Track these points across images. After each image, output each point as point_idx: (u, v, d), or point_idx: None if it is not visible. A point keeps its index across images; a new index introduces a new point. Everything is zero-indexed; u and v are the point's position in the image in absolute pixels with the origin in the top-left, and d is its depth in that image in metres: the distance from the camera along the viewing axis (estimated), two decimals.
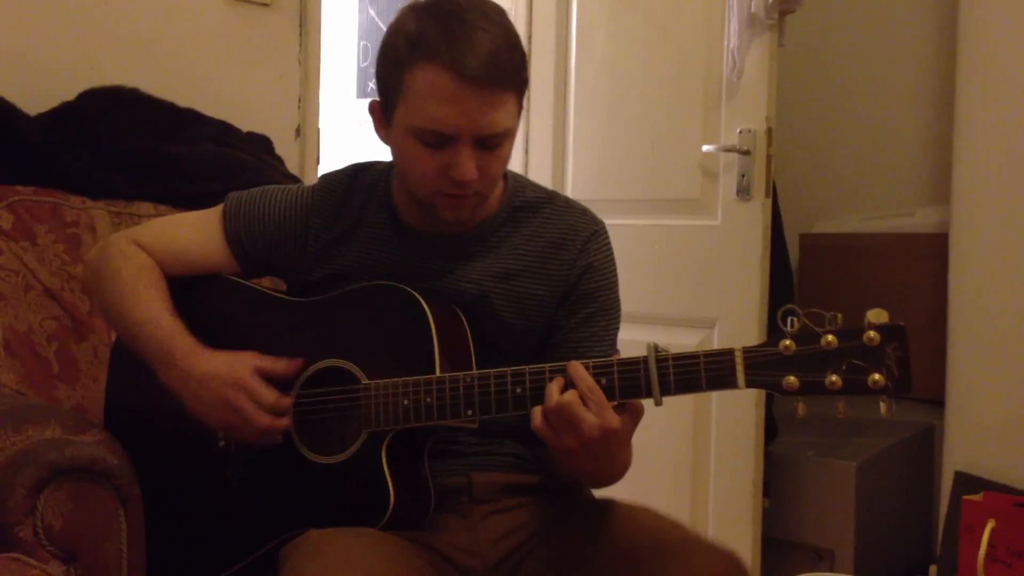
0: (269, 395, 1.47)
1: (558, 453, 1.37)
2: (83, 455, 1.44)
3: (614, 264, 1.61)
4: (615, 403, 1.32)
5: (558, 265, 1.57)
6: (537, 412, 1.33)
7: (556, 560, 1.46)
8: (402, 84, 1.43)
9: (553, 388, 1.33)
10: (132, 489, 1.48)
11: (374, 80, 1.53)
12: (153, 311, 1.54)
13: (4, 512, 1.38)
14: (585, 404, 1.31)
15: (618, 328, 1.61)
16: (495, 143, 1.44)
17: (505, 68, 1.41)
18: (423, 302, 1.46)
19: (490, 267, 1.56)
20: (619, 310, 1.61)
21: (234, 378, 1.46)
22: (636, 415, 1.36)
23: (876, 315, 1.24)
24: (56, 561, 1.41)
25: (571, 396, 1.31)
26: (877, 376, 1.22)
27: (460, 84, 1.38)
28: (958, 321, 2.71)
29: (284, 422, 1.48)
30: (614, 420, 1.32)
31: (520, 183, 1.62)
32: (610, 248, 1.61)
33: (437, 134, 1.42)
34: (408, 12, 1.46)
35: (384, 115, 1.51)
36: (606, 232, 1.61)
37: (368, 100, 1.58)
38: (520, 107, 1.48)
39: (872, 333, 1.23)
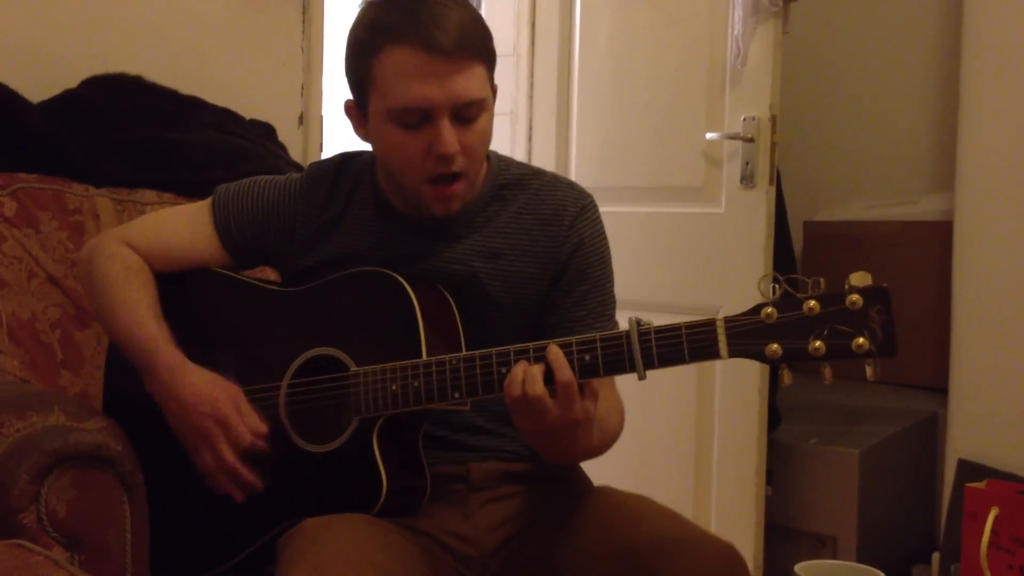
0: (247, 430, 1.47)
1: (519, 431, 1.39)
2: (87, 442, 1.44)
3: (606, 239, 1.61)
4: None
5: (548, 242, 1.56)
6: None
7: (553, 548, 1.46)
8: (371, 72, 1.44)
9: (518, 374, 1.32)
10: (136, 476, 1.48)
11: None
12: (137, 318, 1.55)
13: (8, 499, 1.39)
14: (553, 396, 1.31)
15: (614, 302, 1.61)
16: (472, 114, 1.45)
17: (471, 38, 1.43)
18: (407, 287, 1.46)
19: (478, 246, 1.56)
20: (613, 284, 1.61)
21: (213, 410, 1.47)
22: (596, 396, 1.36)
23: (859, 278, 1.23)
24: (60, 548, 1.41)
25: (538, 388, 1.31)
26: (861, 340, 1.21)
27: (428, 57, 1.40)
28: (962, 309, 2.71)
29: (247, 475, 1.48)
30: (579, 413, 1.32)
31: (504, 161, 1.63)
32: (600, 223, 1.61)
33: (414, 111, 1.42)
34: (366, 7, 1.47)
35: (360, 111, 1.51)
36: (595, 206, 1.61)
37: None
38: (492, 81, 1.49)
39: (855, 296, 1.22)
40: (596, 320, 1.56)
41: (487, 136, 1.51)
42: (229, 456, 1.47)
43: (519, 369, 1.33)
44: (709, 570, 1.33)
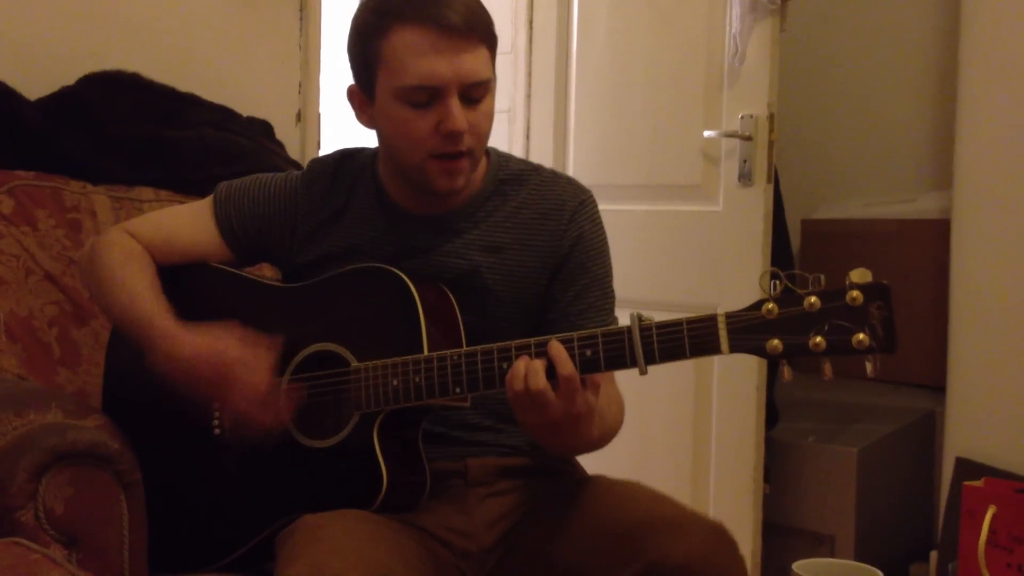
0: (258, 365, 1.45)
1: (521, 425, 1.39)
2: (84, 440, 1.44)
3: (604, 234, 1.62)
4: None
5: (547, 236, 1.57)
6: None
7: (549, 539, 1.47)
8: (379, 52, 1.46)
9: (520, 369, 1.32)
10: (133, 474, 1.48)
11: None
12: (136, 294, 1.55)
13: (6, 496, 1.39)
14: (555, 389, 1.31)
15: (614, 297, 1.61)
16: (479, 95, 1.47)
17: (479, 20, 1.46)
18: (408, 282, 1.47)
19: (478, 241, 1.57)
20: (612, 278, 1.62)
21: (220, 360, 1.45)
22: (597, 388, 1.36)
23: (859, 275, 1.24)
24: (58, 545, 1.41)
25: (540, 383, 1.31)
26: (861, 336, 1.22)
27: (440, 35, 1.42)
28: (959, 307, 2.71)
29: (284, 396, 1.46)
30: (582, 406, 1.33)
31: (503, 157, 1.64)
32: (599, 218, 1.62)
33: (424, 89, 1.44)
34: None
35: (365, 94, 1.53)
36: (594, 202, 1.62)
37: None
38: (494, 65, 1.51)
39: (855, 293, 1.22)
40: (596, 314, 1.57)
41: (491, 119, 1.52)
42: (247, 406, 1.44)
43: (521, 364, 1.33)
44: (699, 549, 1.33)
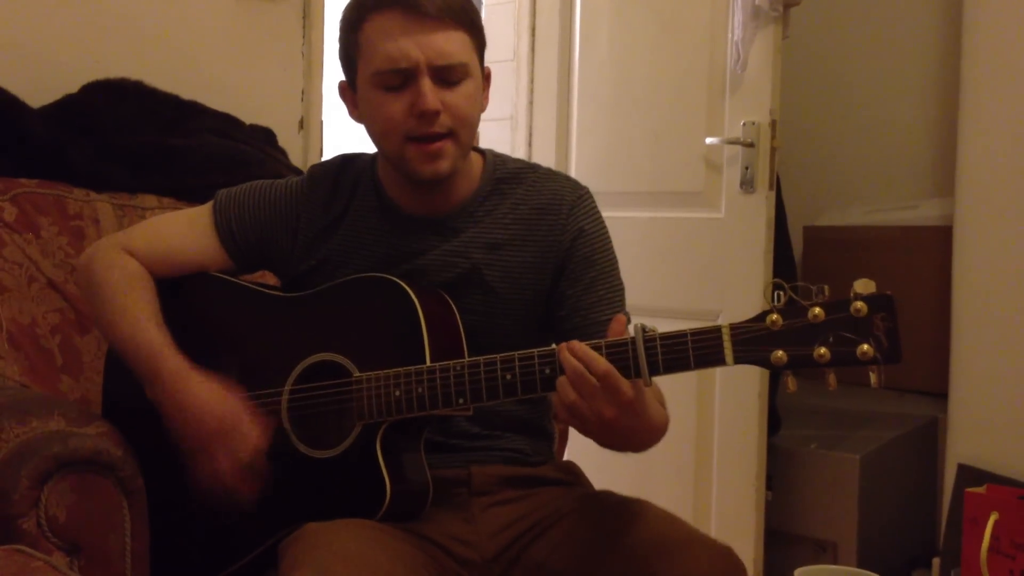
0: (249, 446, 1.46)
1: (596, 429, 1.33)
2: (87, 447, 1.44)
3: (605, 227, 1.62)
4: None
5: (546, 231, 1.58)
6: (568, 389, 1.29)
7: (554, 552, 1.47)
8: (357, 42, 1.50)
9: (569, 374, 1.30)
10: (135, 481, 1.48)
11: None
12: (139, 325, 1.54)
13: (8, 504, 1.39)
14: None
15: (623, 288, 1.60)
16: (455, 78, 1.48)
17: (453, 6, 1.47)
18: (411, 292, 1.47)
19: (478, 239, 1.57)
20: (618, 270, 1.61)
21: (225, 417, 1.46)
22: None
23: (863, 285, 1.23)
24: (60, 553, 1.41)
25: (604, 364, 1.28)
26: (865, 347, 1.21)
27: (409, 18, 1.45)
28: (962, 314, 2.71)
29: (244, 492, 1.47)
30: (628, 393, 1.29)
31: (500, 157, 1.65)
32: (598, 212, 1.62)
33: (395, 72, 1.46)
34: None
35: (351, 87, 1.56)
36: (591, 197, 1.63)
37: None
38: (479, 53, 1.52)
39: (859, 304, 1.22)
40: (607, 307, 1.55)
41: (473, 102, 1.52)
42: (228, 472, 1.45)
43: (564, 377, 1.29)
44: (708, 572, 1.33)
